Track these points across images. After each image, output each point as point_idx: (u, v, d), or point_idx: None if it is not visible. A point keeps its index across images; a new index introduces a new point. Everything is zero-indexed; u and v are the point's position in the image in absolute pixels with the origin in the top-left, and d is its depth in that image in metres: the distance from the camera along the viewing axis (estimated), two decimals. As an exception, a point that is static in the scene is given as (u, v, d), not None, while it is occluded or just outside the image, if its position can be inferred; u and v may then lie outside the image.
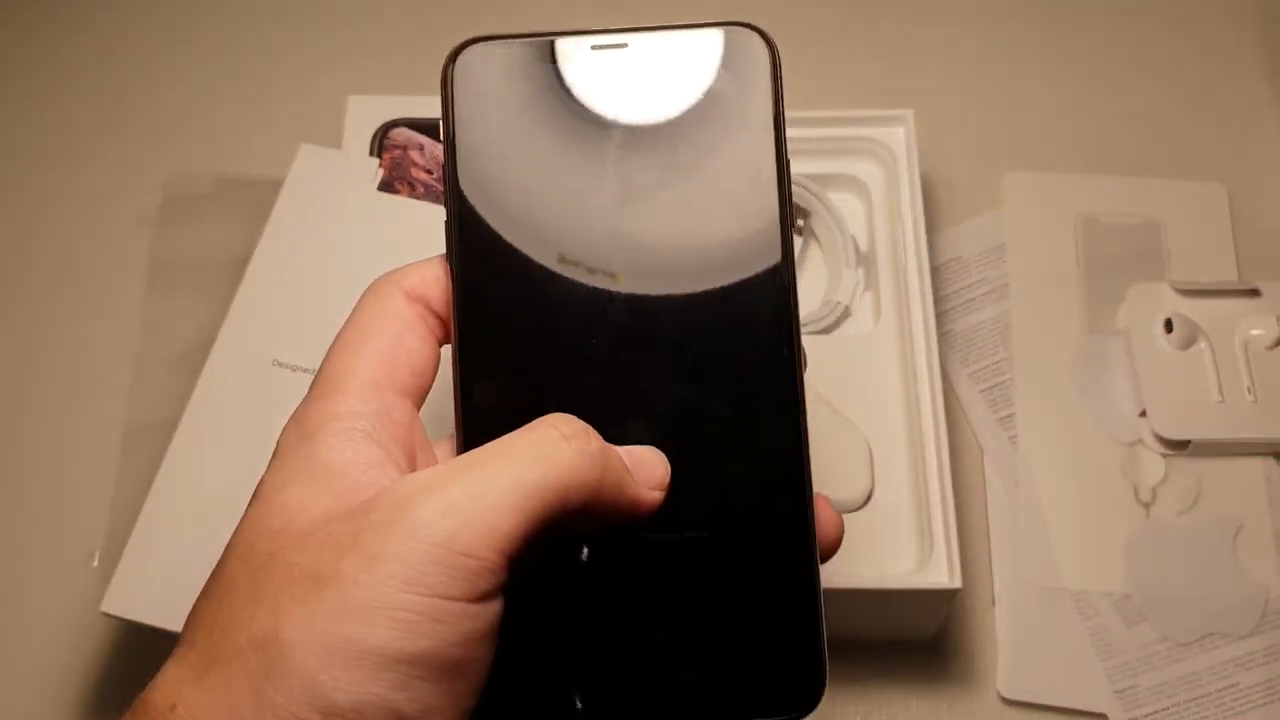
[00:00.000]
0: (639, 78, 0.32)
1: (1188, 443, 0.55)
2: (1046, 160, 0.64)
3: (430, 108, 0.60)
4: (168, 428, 0.49)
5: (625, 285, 0.31)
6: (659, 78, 0.32)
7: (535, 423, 0.28)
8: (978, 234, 0.62)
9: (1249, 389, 0.56)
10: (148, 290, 0.60)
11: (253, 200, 0.58)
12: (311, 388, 0.30)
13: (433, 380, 0.31)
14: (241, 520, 0.28)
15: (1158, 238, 0.61)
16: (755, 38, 0.32)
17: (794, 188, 0.58)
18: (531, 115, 0.32)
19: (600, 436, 0.29)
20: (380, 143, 0.58)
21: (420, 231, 0.53)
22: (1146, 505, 0.55)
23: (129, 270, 0.61)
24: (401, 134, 0.59)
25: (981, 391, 0.58)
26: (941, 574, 0.49)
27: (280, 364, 0.50)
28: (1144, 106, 0.66)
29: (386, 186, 0.55)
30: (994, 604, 0.54)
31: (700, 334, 0.31)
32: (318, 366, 0.51)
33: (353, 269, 0.52)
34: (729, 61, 0.32)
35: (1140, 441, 0.56)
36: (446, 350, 0.32)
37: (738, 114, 0.32)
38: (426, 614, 0.25)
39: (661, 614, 0.30)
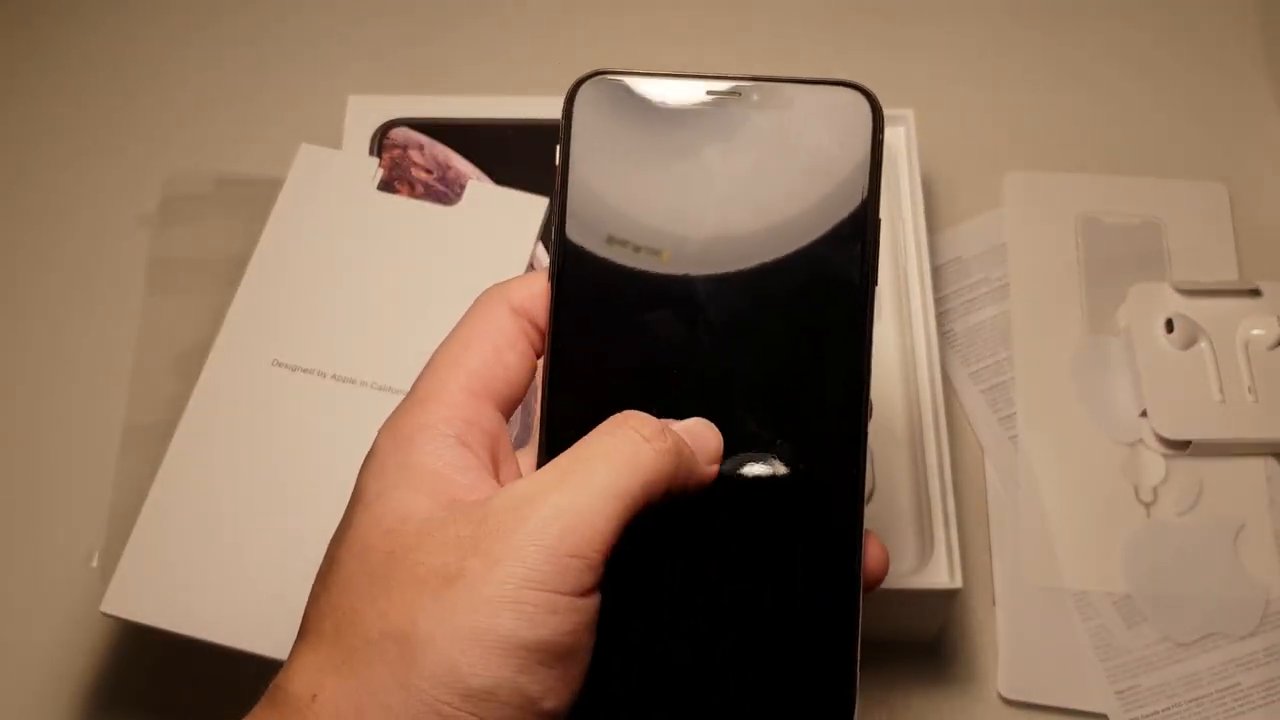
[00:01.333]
0: (748, 126, 0.34)
1: (1188, 443, 0.55)
2: (1046, 160, 0.64)
3: (429, 106, 0.61)
4: (167, 427, 0.49)
5: (710, 318, 0.33)
6: (767, 128, 0.34)
7: (616, 422, 0.31)
8: (978, 234, 0.62)
9: (1250, 389, 0.56)
10: (147, 290, 0.60)
11: (252, 200, 0.58)
12: (410, 393, 0.33)
13: (525, 392, 0.34)
14: (348, 521, 0.31)
15: (1158, 238, 0.61)
16: (862, 99, 0.34)
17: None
18: (642, 151, 0.34)
19: (672, 429, 0.31)
20: (380, 142, 0.58)
21: (420, 231, 0.53)
22: (1147, 505, 0.55)
23: (128, 270, 0.61)
24: (401, 134, 0.59)
25: (982, 391, 0.58)
26: (942, 574, 0.49)
27: (280, 364, 0.50)
28: (1145, 106, 0.66)
29: (386, 186, 0.55)
30: (994, 604, 0.54)
31: (774, 369, 0.33)
32: (317, 366, 0.50)
33: (352, 269, 0.53)
34: (835, 120, 0.34)
35: (1141, 441, 0.56)
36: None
37: (836, 173, 0.33)
38: (543, 606, 0.28)
39: (708, 627, 0.32)
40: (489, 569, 0.28)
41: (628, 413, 0.31)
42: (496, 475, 0.32)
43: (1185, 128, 0.65)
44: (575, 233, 0.33)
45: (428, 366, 0.33)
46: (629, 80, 0.34)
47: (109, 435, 0.56)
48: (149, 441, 0.53)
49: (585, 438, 0.31)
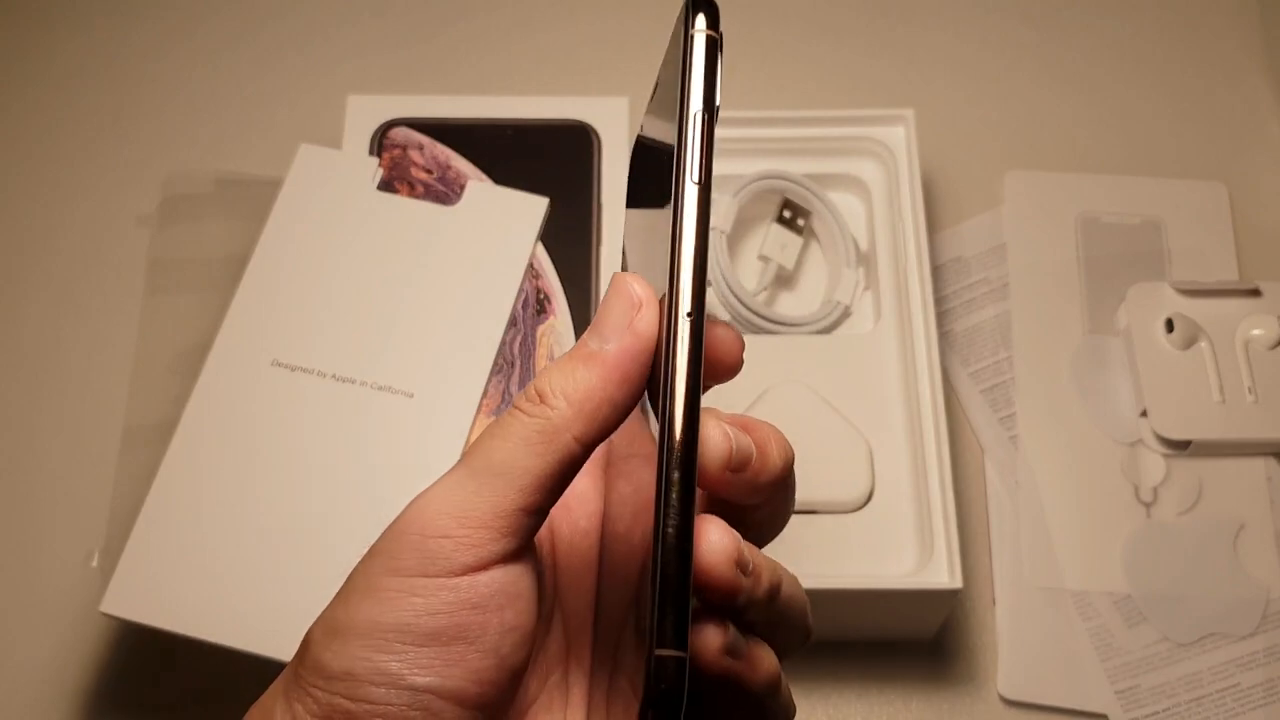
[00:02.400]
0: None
1: (1188, 443, 0.55)
2: (1046, 160, 0.64)
3: (429, 106, 0.61)
4: (167, 427, 0.49)
5: None
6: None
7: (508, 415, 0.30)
8: (978, 234, 0.62)
9: (1250, 389, 0.56)
10: (147, 290, 0.60)
11: (252, 200, 0.58)
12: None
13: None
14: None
15: (1158, 238, 0.61)
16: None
17: (796, 187, 0.59)
18: None
19: (557, 378, 0.29)
20: (380, 142, 0.58)
21: (420, 231, 0.53)
22: (1147, 505, 0.55)
23: (128, 270, 0.61)
24: (401, 134, 0.59)
25: (982, 391, 0.58)
26: (942, 574, 0.49)
27: (279, 364, 0.50)
28: (1145, 106, 0.66)
29: (386, 186, 0.55)
30: (994, 604, 0.54)
31: None
32: (317, 366, 0.50)
33: (352, 269, 0.53)
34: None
35: (1141, 441, 0.56)
36: None
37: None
38: (405, 590, 0.28)
39: None
40: (362, 564, 0.29)
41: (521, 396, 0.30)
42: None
43: (1185, 128, 0.65)
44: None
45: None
46: None
47: (109, 435, 0.56)
48: (149, 441, 0.53)
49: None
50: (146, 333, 0.59)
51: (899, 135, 0.58)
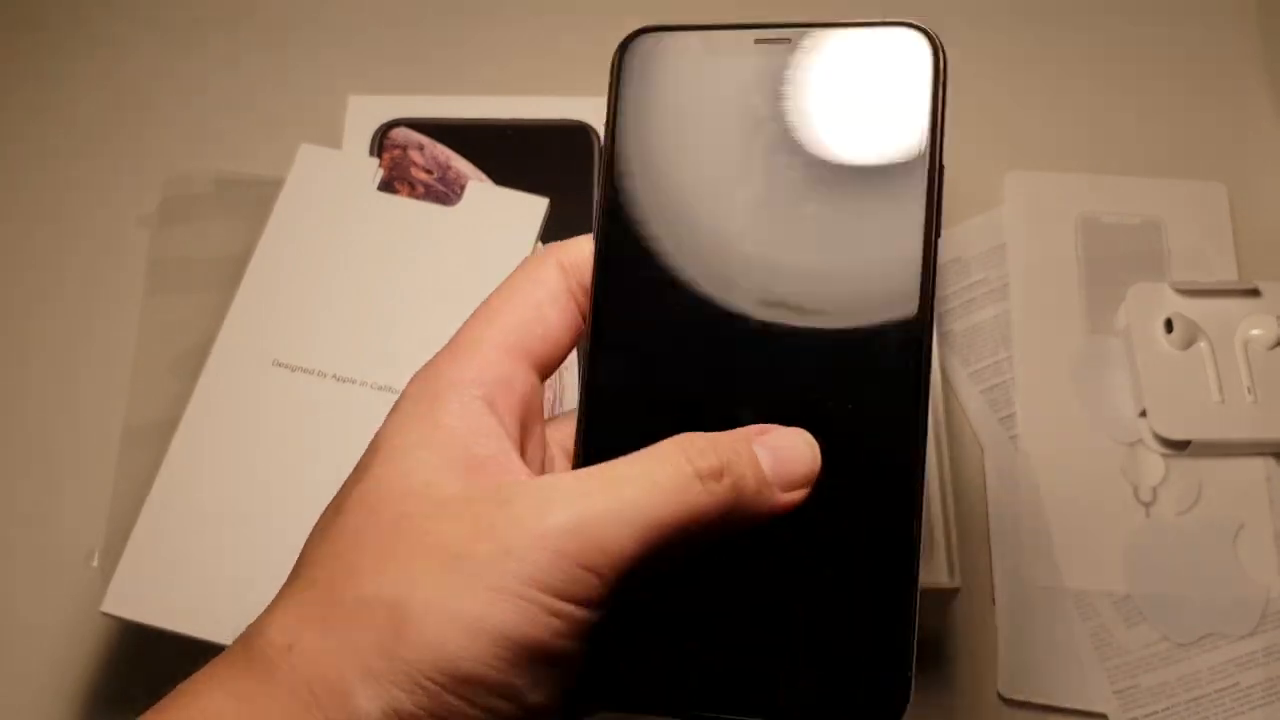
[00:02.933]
0: (799, 75, 0.31)
1: (1188, 443, 0.55)
2: (1046, 160, 0.64)
3: (430, 106, 0.61)
4: (167, 427, 0.49)
5: (762, 282, 0.31)
6: (819, 77, 0.31)
7: (673, 445, 0.29)
8: (978, 234, 0.62)
9: (1249, 389, 0.56)
10: (147, 290, 0.60)
11: (252, 200, 0.58)
12: (447, 346, 0.31)
13: (565, 355, 0.32)
14: (363, 472, 0.30)
15: (1158, 238, 0.61)
16: (921, 38, 0.32)
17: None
18: (690, 109, 0.32)
19: (740, 458, 0.29)
20: (380, 143, 0.58)
21: (420, 232, 0.53)
22: (1146, 505, 0.55)
23: (128, 270, 0.61)
24: (401, 134, 0.59)
25: (981, 391, 0.58)
26: (941, 574, 0.49)
27: (280, 364, 0.50)
28: (1144, 106, 0.66)
29: (386, 186, 0.55)
30: (994, 604, 0.54)
31: (836, 341, 0.30)
32: (318, 366, 0.50)
33: (353, 269, 0.53)
34: (892, 63, 0.31)
35: (1140, 441, 0.56)
36: None
37: (894, 121, 0.31)
38: (545, 608, 0.27)
39: (762, 604, 0.30)
40: (498, 558, 0.27)
41: (689, 436, 0.29)
42: (523, 444, 0.31)
43: (1185, 128, 0.65)
44: (620, 200, 0.31)
45: (469, 319, 0.32)
46: (675, 36, 0.32)
47: (109, 435, 0.56)
48: (149, 441, 0.53)
49: (638, 453, 0.29)
50: (147, 333, 0.59)
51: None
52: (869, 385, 0.30)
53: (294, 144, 0.56)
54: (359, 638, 0.27)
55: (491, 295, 0.32)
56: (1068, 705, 0.52)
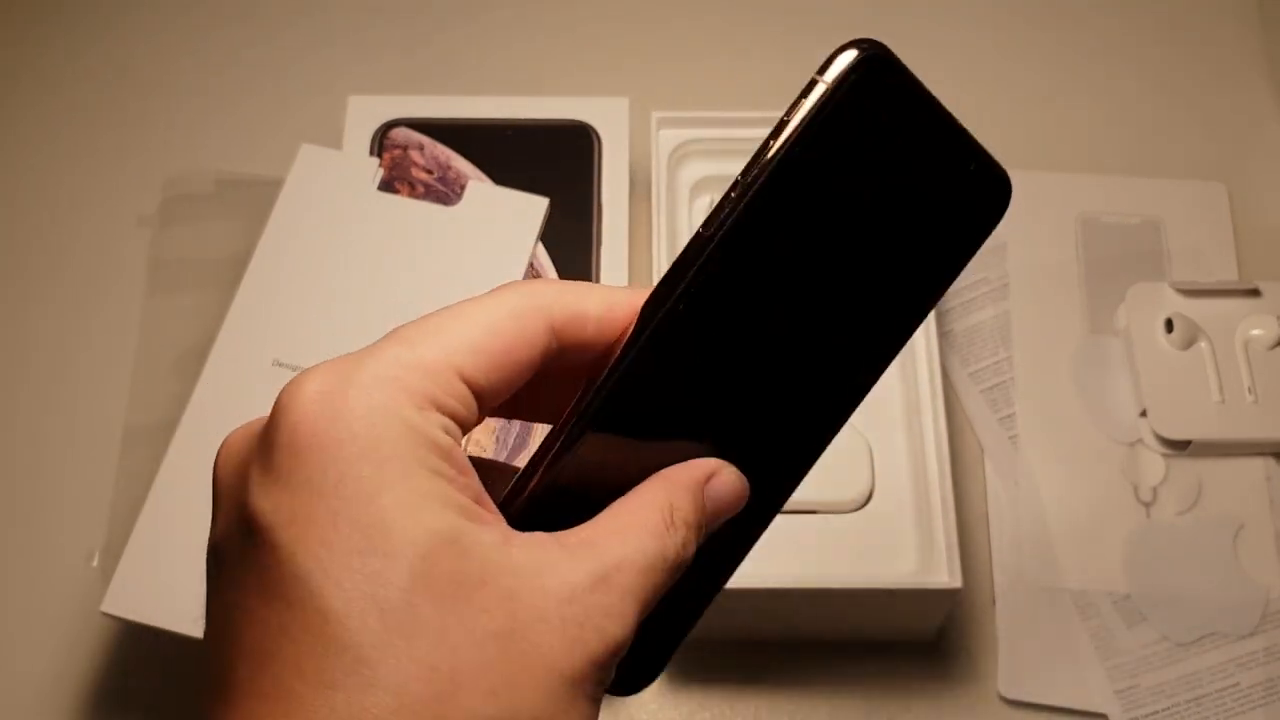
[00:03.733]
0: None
1: (1188, 443, 0.55)
2: (1046, 160, 0.64)
3: (430, 107, 0.61)
4: (168, 428, 0.49)
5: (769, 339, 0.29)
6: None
7: (650, 496, 0.28)
8: (978, 234, 0.62)
9: (1249, 389, 0.56)
10: (148, 290, 0.60)
11: (253, 200, 0.58)
12: (391, 339, 0.26)
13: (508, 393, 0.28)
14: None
15: (1158, 238, 0.61)
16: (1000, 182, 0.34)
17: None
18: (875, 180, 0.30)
19: (701, 514, 0.29)
20: (380, 143, 0.58)
21: (420, 231, 0.53)
22: (1147, 505, 0.55)
23: (129, 270, 0.61)
24: (401, 134, 0.59)
25: (981, 391, 0.58)
26: (941, 574, 0.49)
27: (280, 364, 0.50)
28: (1144, 106, 0.66)
29: (386, 186, 0.55)
30: (994, 604, 0.54)
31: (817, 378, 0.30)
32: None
33: (353, 269, 0.53)
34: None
35: (1140, 441, 0.56)
36: None
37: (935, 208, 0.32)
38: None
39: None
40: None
41: (670, 488, 0.28)
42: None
43: (1185, 128, 0.65)
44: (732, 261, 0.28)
45: (435, 314, 0.27)
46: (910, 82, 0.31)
47: (110, 435, 0.56)
48: (150, 441, 0.53)
49: (618, 509, 0.28)
50: (147, 333, 0.59)
51: (899, 135, 0.58)
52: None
53: (294, 144, 0.56)
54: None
55: (464, 314, 0.27)
56: (1068, 705, 0.52)
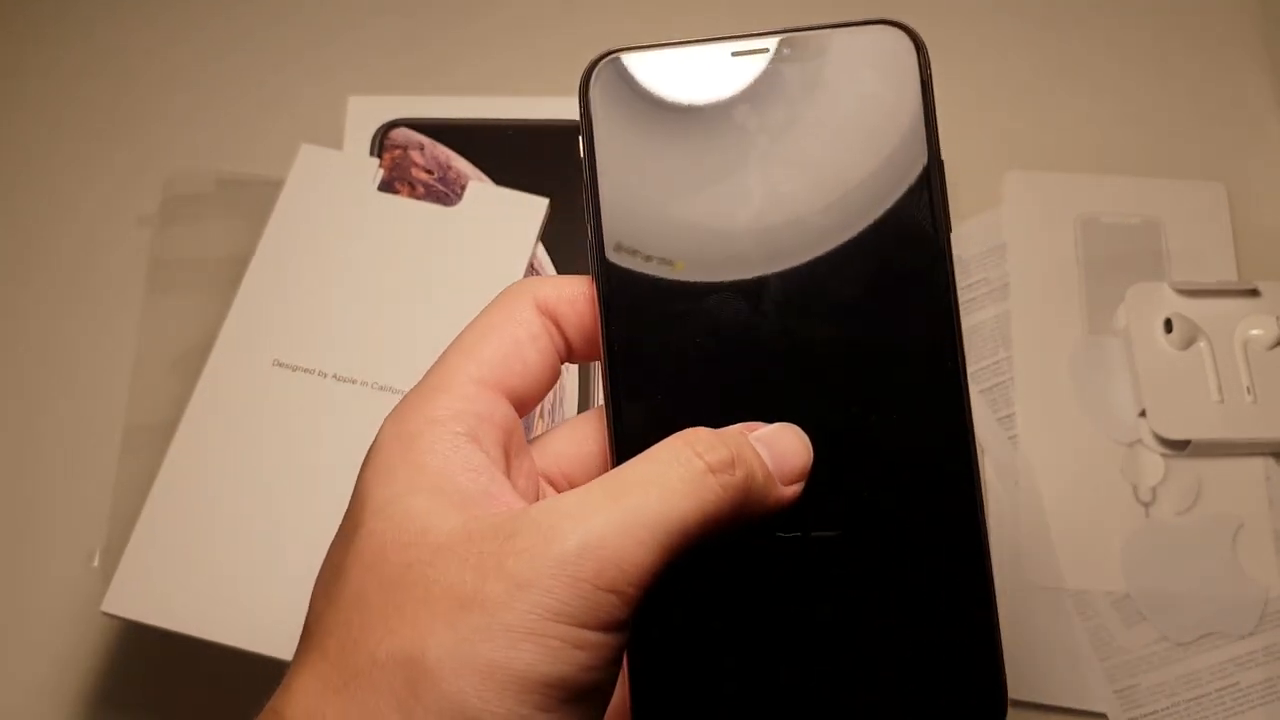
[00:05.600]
0: (784, 85, 0.31)
1: (1187, 443, 0.55)
2: (1046, 160, 0.64)
3: (430, 107, 0.61)
4: (168, 427, 0.49)
5: (775, 293, 0.30)
6: (804, 85, 0.30)
7: (679, 441, 0.28)
8: (978, 234, 0.62)
9: (1248, 389, 0.56)
10: (148, 290, 0.60)
11: (253, 200, 0.58)
12: (420, 381, 0.30)
13: (544, 394, 0.31)
14: (355, 526, 0.28)
15: (1158, 237, 0.61)
16: (901, 35, 0.31)
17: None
18: (674, 128, 0.31)
19: (746, 449, 0.28)
20: (381, 143, 0.59)
21: (421, 232, 0.54)
22: (1146, 505, 0.55)
23: (129, 270, 0.61)
24: (402, 134, 0.59)
25: (981, 391, 0.58)
26: (941, 574, 0.49)
27: (281, 364, 0.50)
28: (1144, 106, 0.66)
29: (387, 187, 0.55)
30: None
31: (856, 335, 0.29)
32: (318, 366, 0.50)
33: (353, 269, 0.53)
34: (873, 62, 0.31)
35: (1140, 441, 0.56)
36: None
37: (885, 117, 0.30)
38: (570, 641, 0.25)
39: (819, 619, 0.29)
40: (512, 595, 0.25)
41: (693, 431, 0.28)
42: (509, 473, 0.30)
43: (1185, 128, 0.66)
44: (616, 227, 0.31)
45: (443, 354, 0.31)
46: (645, 56, 0.31)
47: (110, 435, 0.56)
48: (150, 441, 0.53)
49: (641, 455, 0.28)
50: (147, 332, 0.59)
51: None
52: (908, 384, 0.29)
53: (295, 144, 0.56)
54: (379, 703, 0.25)
55: (467, 330, 0.31)
56: (1067, 705, 0.52)
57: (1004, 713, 0.29)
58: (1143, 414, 0.56)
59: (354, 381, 0.49)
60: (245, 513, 0.47)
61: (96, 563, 0.53)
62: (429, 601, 0.26)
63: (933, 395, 0.29)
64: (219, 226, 0.61)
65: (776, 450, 0.29)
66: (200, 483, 0.48)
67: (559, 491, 0.31)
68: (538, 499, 0.31)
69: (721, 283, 0.30)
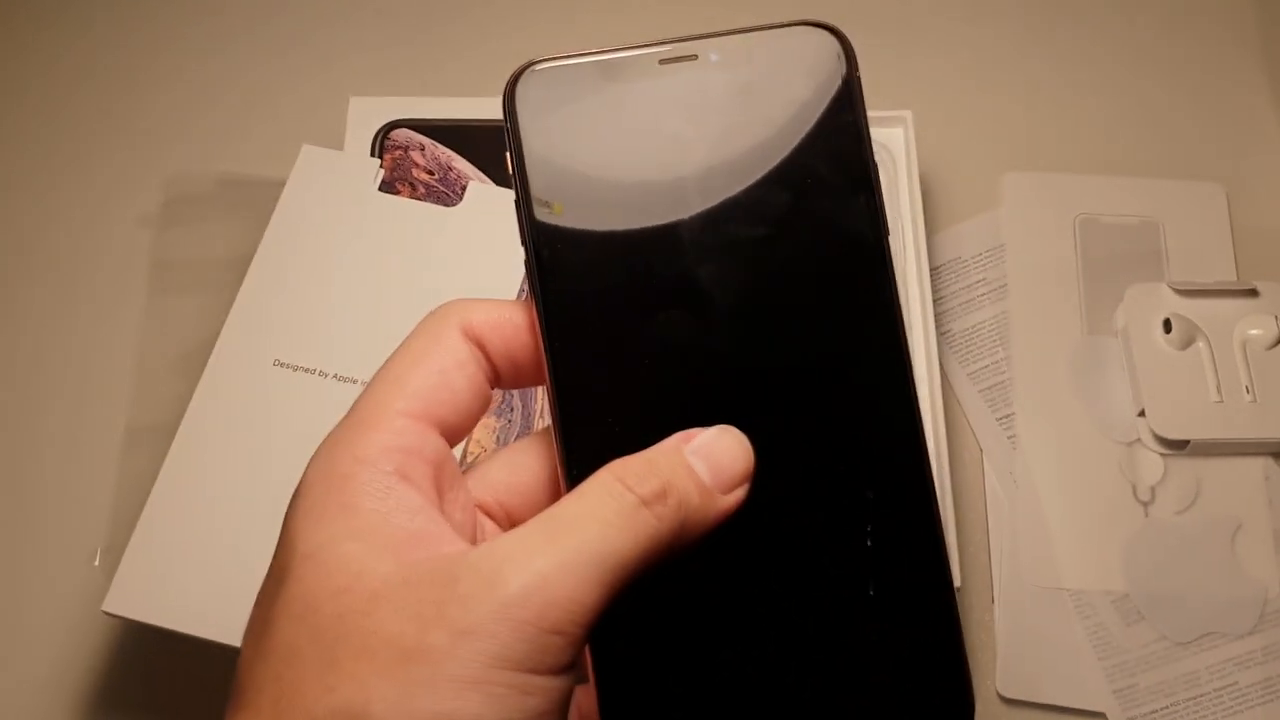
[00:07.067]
0: (715, 92, 0.30)
1: (1186, 442, 0.55)
2: (1046, 160, 0.64)
3: (431, 107, 0.61)
4: (169, 427, 0.50)
5: (713, 296, 0.30)
6: (735, 91, 0.30)
7: (607, 475, 0.27)
8: (977, 234, 0.62)
9: (1247, 389, 0.56)
10: (149, 291, 0.60)
11: (254, 201, 0.58)
12: (347, 415, 0.29)
13: (475, 422, 0.31)
14: (283, 575, 0.27)
15: (1157, 238, 0.61)
16: (827, 36, 0.31)
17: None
18: (602, 139, 0.30)
19: (678, 473, 0.28)
20: (381, 143, 0.59)
21: (421, 232, 0.54)
22: (1145, 505, 0.55)
23: (130, 271, 0.61)
24: (402, 134, 0.59)
25: (981, 391, 0.58)
26: (940, 573, 0.49)
27: (281, 364, 0.50)
28: (1144, 106, 0.66)
29: (387, 187, 0.55)
30: (993, 603, 0.54)
31: (799, 334, 0.29)
32: (319, 366, 0.50)
33: (354, 269, 0.53)
34: (802, 63, 0.31)
35: (1139, 441, 0.56)
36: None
37: (817, 119, 0.30)
38: (517, 688, 0.25)
39: (777, 621, 0.29)
40: (455, 644, 0.24)
41: (622, 463, 0.27)
42: (442, 508, 0.29)
43: (1184, 128, 0.66)
44: (547, 242, 0.30)
45: (369, 385, 0.30)
46: (568, 64, 0.30)
47: (111, 435, 0.57)
48: (151, 441, 0.53)
49: (574, 491, 0.27)
50: (149, 333, 0.59)
51: (898, 136, 0.59)
52: (852, 385, 0.29)
53: (295, 145, 0.56)
54: None
55: (393, 357, 0.30)
56: (1066, 704, 0.52)
57: (971, 711, 0.28)
58: (1142, 414, 0.56)
59: (354, 381, 0.49)
60: (246, 512, 0.47)
61: (98, 562, 0.53)
62: (368, 654, 0.25)
63: (879, 393, 0.29)
64: (220, 227, 0.61)
65: (714, 460, 0.28)
66: (201, 482, 0.48)
67: (495, 521, 0.31)
68: (474, 531, 0.30)
69: (659, 288, 0.30)
